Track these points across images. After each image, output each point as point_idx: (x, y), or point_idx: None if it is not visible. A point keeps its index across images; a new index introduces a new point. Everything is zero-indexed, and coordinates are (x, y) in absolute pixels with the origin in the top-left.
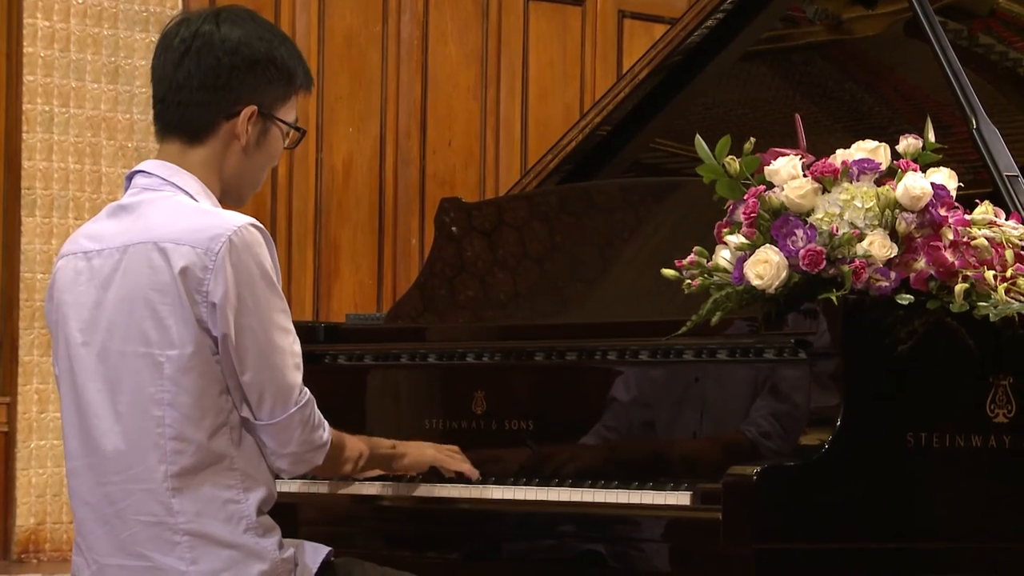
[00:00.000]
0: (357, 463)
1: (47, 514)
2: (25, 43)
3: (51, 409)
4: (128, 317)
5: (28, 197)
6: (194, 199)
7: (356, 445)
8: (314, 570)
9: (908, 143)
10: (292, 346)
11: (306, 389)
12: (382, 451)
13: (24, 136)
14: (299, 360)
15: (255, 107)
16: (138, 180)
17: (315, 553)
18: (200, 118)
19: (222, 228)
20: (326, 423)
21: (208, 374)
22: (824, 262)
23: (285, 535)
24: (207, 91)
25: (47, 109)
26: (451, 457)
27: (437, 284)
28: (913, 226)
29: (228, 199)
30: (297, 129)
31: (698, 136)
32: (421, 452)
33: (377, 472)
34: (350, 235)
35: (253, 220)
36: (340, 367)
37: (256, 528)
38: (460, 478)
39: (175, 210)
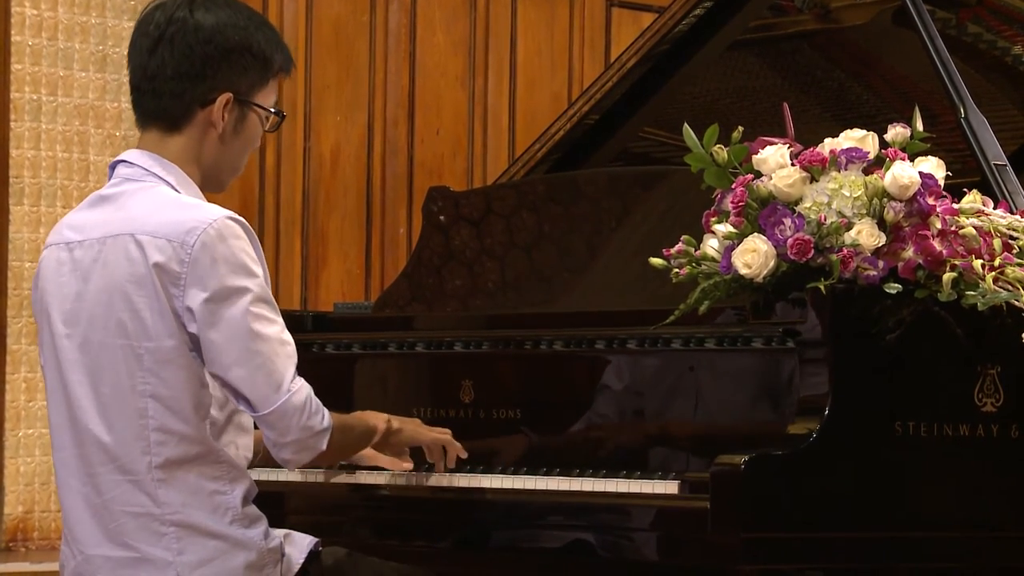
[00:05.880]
0: (371, 440)
1: (35, 503)
2: (13, 31)
3: (39, 398)
4: (107, 309)
5: (16, 186)
6: (176, 190)
7: (366, 422)
8: (300, 560)
9: (896, 132)
10: (279, 335)
11: (300, 378)
12: (382, 426)
13: (12, 124)
14: (290, 348)
15: (230, 94)
16: (120, 170)
17: (302, 543)
18: (175, 107)
19: (198, 222)
20: (325, 410)
21: (189, 367)
22: (812, 251)
23: (272, 525)
24: (180, 80)
25: (35, 97)
26: (446, 439)
27: (425, 273)
28: (901, 215)
29: (209, 186)
30: (276, 113)
31: (686, 125)
32: (416, 430)
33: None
34: (338, 224)
35: (231, 213)
36: (328, 356)
37: (242, 519)
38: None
39: (155, 202)
